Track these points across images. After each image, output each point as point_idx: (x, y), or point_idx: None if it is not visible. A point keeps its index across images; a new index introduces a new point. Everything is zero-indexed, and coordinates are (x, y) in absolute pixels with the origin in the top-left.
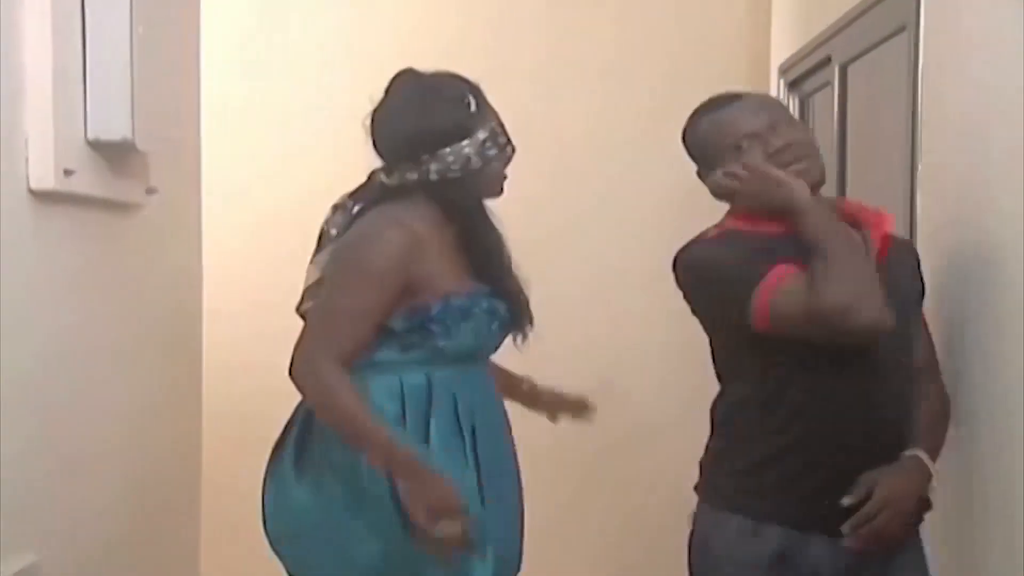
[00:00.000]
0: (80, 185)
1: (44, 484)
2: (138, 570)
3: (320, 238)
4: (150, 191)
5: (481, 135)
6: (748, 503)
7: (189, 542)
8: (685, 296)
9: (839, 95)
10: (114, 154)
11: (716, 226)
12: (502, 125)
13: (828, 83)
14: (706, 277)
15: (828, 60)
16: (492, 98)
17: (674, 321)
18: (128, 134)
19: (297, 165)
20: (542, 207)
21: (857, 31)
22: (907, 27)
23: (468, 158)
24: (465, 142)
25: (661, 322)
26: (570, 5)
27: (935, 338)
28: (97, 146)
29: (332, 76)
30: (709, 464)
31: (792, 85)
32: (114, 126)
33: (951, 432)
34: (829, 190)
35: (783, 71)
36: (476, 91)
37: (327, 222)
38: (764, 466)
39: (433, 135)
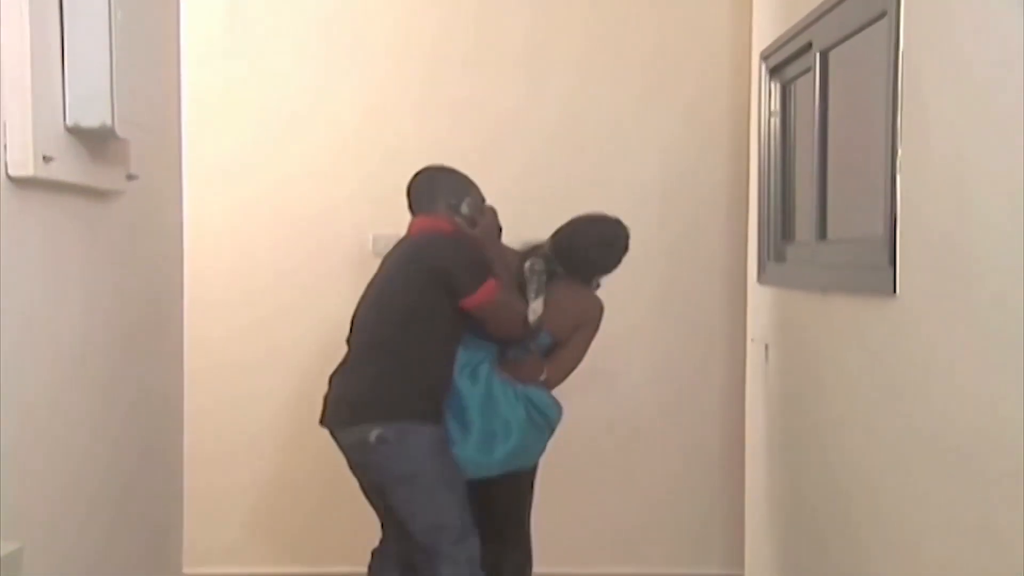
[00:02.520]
0: (59, 172)
1: (25, 472)
2: (121, 553)
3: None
4: (130, 178)
5: None
6: None
7: (172, 529)
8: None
9: (820, 81)
10: (94, 141)
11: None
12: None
13: (809, 69)
14: None
15: (809, 46)
16: (475, 87)
17: (657, 304)
18: (107, 120)
19: (279, 152)
20: (525, 194)
21: (838, 17)
22: (887, 13)
23: None
24: None
25: (644, 306)
26: None
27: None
28: (76, 132)
29: (314, 63)
30: None
31: (774, 71)
32: (93, 112)
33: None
34: (811, 172)
35: (765, 57)
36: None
37: None
38: None
39: None
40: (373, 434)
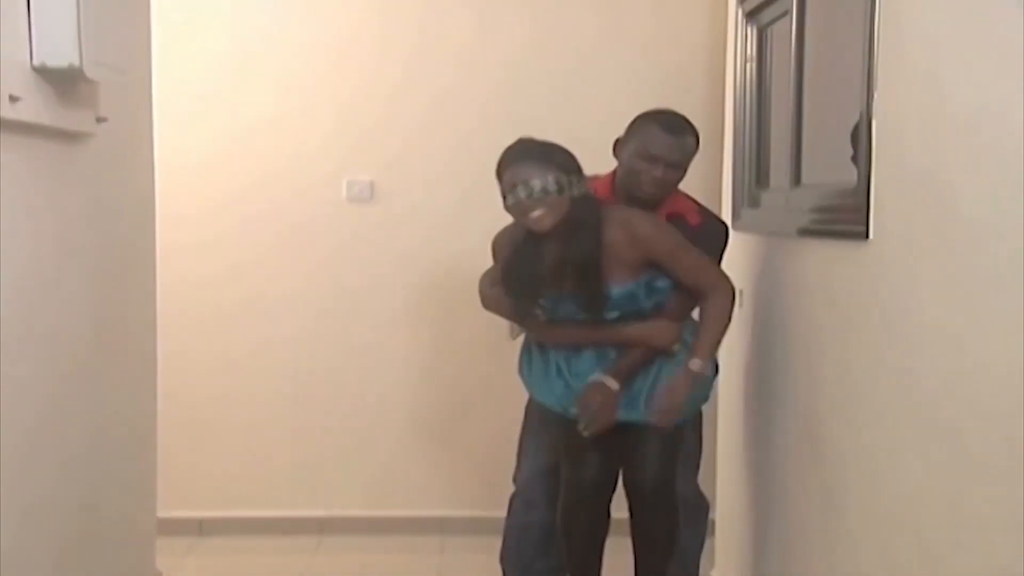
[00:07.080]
0: (27, 113)
1: None
2: (93, 497)
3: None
4: (100, 120)
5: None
6: None
7: (145, 472)
8: None
9: (797, 24)
10: (62, 82)
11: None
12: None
13: (786, 13)
14: None
15: None
16: (438, 24)
17: None
18: (75, 60)
19: (250, 96)
20: (491, 132)
21: None
22: None
23: None
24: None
25: None
26: None
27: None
28: (44, 73)
29: (285, 2)
30: None
31: (750, 15)
32: (61, 52)
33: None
34: (786, 118)
35: (741, 0)
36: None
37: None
38: None
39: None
40: None
